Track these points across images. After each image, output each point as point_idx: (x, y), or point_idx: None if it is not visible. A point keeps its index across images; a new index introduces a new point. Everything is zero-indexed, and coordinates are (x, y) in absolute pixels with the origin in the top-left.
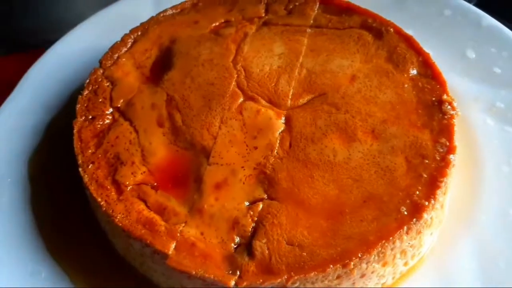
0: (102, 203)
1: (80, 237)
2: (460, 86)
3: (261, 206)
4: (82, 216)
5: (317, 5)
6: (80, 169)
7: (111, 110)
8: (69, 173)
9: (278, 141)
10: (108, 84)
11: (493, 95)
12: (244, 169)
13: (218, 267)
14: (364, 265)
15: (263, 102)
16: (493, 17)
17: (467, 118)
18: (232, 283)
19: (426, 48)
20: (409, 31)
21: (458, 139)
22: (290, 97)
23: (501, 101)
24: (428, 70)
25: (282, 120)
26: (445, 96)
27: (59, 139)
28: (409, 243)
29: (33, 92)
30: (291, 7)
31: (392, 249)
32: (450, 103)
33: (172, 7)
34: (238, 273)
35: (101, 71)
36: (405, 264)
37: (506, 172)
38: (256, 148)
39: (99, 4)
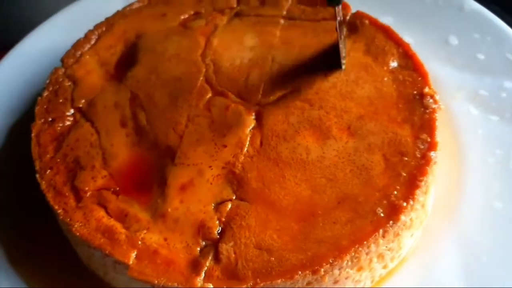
0: (59, 211)
1: (42, 246)
2: (443, 74)
3: (229, 206)
4: (45, 224)
5: None
6: (37, 176)
7: (72, 111)
8: (30, 180)
9: (248, 139)
10: (69, 83)
11: (476, 83)
12: (212, 169)
13: (181, 273)
14: (336, 271)
15: (233, 97)
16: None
17: (450, 108)
18: (200, 281)
19: (407, 36)
20: (389, 19)
21: (441, 130)
22: (261, 92)
23: (485, 89)
24: (409, 62)
25: (253, 116)
26: (427, 89)
27: (20, 145)
28: (386, 247)
29: None
30: None
31: (367, 254)
32: (432, 96)
33: (139, 0)
34: (202, 277)
35: (63, 70)
36: (385, 267)
37: (491, 163)
38: (225, 146)
39: (68, 3)
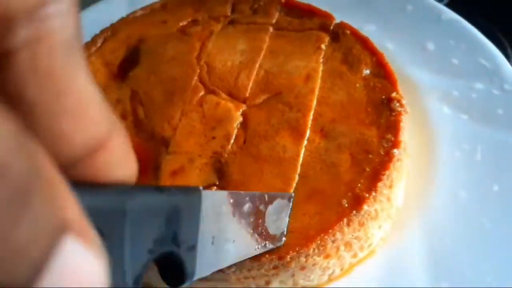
0: None
1: None
2: (420, 78)
3: (214, 189)
4: None
5: (281, 5)
6: None
7: None
8: None
9: (235, 132)
10: None
11: (449, 84)
12: (201, 157)
13: None
14: (302, 259)
15: (223, 95)
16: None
17: (425, 108)
18: None
19: (388, 43)
20: (371, 27)
21: (415, 128)
22: (249, 90)
23: (457, 90)
24: (381, 70)
25: (240, 112)
26: (394, 94)
27: None
28: (352, 235)
29: None
30: (256, 6)
31: (333, 242)
32: (398, 101)
33: (142, 8)
34: None
35: None
36: (354, 256)
37: (458, 157)
38: (214, 138)
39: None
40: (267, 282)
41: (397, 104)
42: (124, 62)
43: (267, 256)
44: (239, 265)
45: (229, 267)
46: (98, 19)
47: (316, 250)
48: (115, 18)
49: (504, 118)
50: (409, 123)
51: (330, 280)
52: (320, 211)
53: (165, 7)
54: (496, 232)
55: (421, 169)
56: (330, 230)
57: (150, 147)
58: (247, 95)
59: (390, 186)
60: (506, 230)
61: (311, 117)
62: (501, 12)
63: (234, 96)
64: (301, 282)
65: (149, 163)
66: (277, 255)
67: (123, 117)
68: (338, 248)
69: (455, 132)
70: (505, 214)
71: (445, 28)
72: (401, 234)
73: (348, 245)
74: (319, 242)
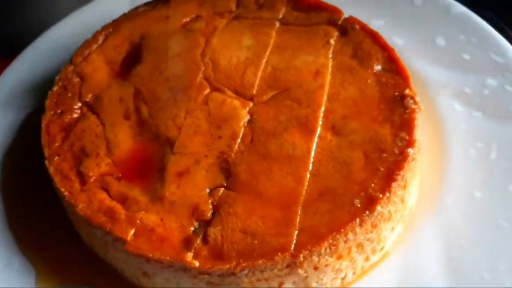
0: (65, 193)
1: (49, 230)
2: (430, 73)
3: (221, 191)
4: (53, 210)
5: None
6: (46, 162)
7: (79, 104)
8: (40, 168)
9: (242, 130)
10: (78, 80)
11: (461, 81)
12: (208, 158)
13: (174, 248)
14: (315, 258)
15: (229, 92)
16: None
17: (436, 104)
18: (190, 256)
19: (397, 38)
20: (379, 22)
21: (426, 126)
22: (255, 87)
23: (469, 87)
24: (393, 65)
25: (247, 110)
26: (407, 91)
27: (32, 136)
28: (364, 236)
29: (9, 91)
30: (261, 1)
31: (345, 242)
32: (412, 98)
33: (145, 4)
34: (193, 253)
35: (72, 67)
36: (367, 259)
37: (473, 155)
38: (220, 137)
39: (79, 5)
40: (280, 284)
41: (411, 101)
42: (127, 60)
43: (280, 254)
44: (251, 267)
45: (242, 268)
46: (100, 15)
47: (328, 250)
48: (117, 14)
49: None
50: (421, 121)
51: (343, 286)
52: (331, 210)
53: (168, 2)
54: None
55: (434, 168)
56: (342, 230)
57: (154, 147)
58: (254, 92)
59: (404, 187)
60: None
61: (321, 113)
62: (506, 4)
63: (240, 93)
64: (314, 286)
65: (153, 165)
66: (290, 253)
67: (125, 116)
68: (350, 249)
69: (468, 129)
70: None
71: (455, 23)
72: (415, 237)
73: (360, 246)
74: (331, 241)
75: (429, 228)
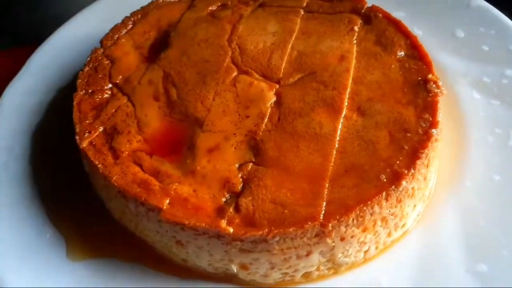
0: (99, 165)
1: (79, 205)
2: (450, 64)
3: (250, 166)
4: (82, 187)
5: None
6: (77, 137)
7: (110, 85)
8: (70, 147)
9: (269, 111)
10: (108, 62)
11: (480, 70)
12: (236, 136)
13: (208, 216)
14: (343, 228)
15: (256, 75)
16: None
17: (455, 93)
18: (224, 223)
19: (418, 29)
20: (401, 13)
21: (446, 113)
22: (282, 70)
23: (488, 77)
24: (415, 52)
25: (274, 91)
26: (430, 76)
27: (62, 116)
28: (389, 211)
29: (39, 73)
30: None
31: (371, 214)
32: (435, 82)
33: None
34: (226, 222)
35: (102, 50)
36: (389, 234)
37: (491, 141)
38: (248, 117)
39: None
40: (308, 253)
41: (434, 85)
42: (155, 45)
43: (310, 223)
44: (282, 234)
45: (273, 235)
46: (129, 2)
47: (355, 221)
48: (145, 1)
49: None
50: (441, 107)
51: (365, 260)
52: (358, 184)
53: None
54: None
55: (453, 153)
56: (369, 202)
57: (184, 126)
58: (281, 75)
59: (427, 166)
60: None
61: (347, 95)
62: None
63: (267, 76)
64: (339, 257)
65: (183, 143)
66: (319, 222)
67: (155, 98)
68: (375, 222)
69: (487, 117)
70: None
71: (474, 15)
72: (435, 216)
73: (384, 220)
74: (358, 212)
75: (449, 208)
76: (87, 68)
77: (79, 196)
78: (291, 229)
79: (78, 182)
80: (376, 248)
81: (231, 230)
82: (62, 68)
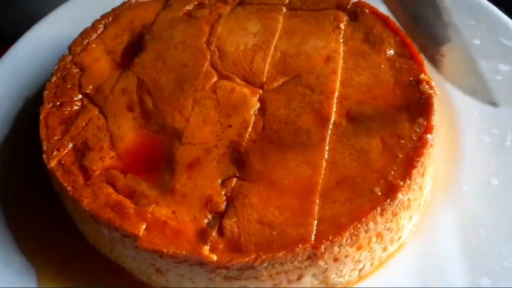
0: (68, 188)
1: (49, 228)
2: None
3: (234, 181)
4: (52, 207)
5: None
6: (44, 156)
7: (80, 96)
8: (38, 162)
9: (252, 119)
10: (77, 70)
11: None
12: (218, 148)
13: (189, 242)
14: (336, 249)
15: (238, 80)
16: None
17: (448, 91)
18: (207, 250)
19: None
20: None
21: (439, 112)
22: (265, 73)
23: None
24: (406, 50)
25: (257, 97)
26: (422, 76)
27: (29, 128)
28: (385, 226)
29: (5, 82)
30: None
31: (366, 232)
32: (427, 82)
33: None
34: (209, 246)
35: (70, 57)
36: (384, 249)
37: (487, 142)
38: (230, 126)
39: None
40: (300, 276)
41: (427, 86)
42: (128, 49)
43: (300, 246)
44: (271, 260)
45: (262, 261)
46: (98, 3)
47: (349, 240)
48: (117, 2)
49: None
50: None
51: (360, 278)
52: (351, 198)
53: None
54: None
55: (447, 156)
56: (363, 219)
57: (161, 139)
58: (264, 79)
59: (423, 174)
60: None
61: (335, 99)
62: None
63: (249, 81)
64: (333, 278)
65: (160, 157)
66: (311, 244)
67: (129, 108)
68: (370, 239)
69: (482, 116)
70: None
71: (464, 8)
72: (432, 226)
73: (379, 236)
74: (352, 231)
75: (446, 216)
76: (54, 78)
77: (50, 218)
78: (280, 254)
79: (48, 203)
80: (371, 264)
81: (214, 257)
82: (32, 76)
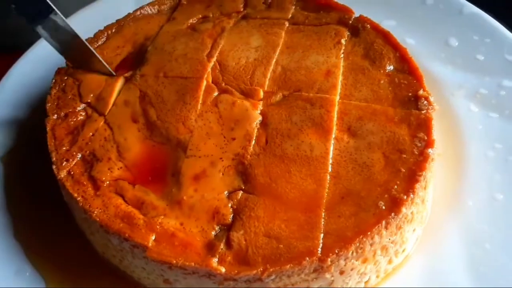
0: (78, 198)
1: (58, 238)
2: (444, 74)
3: (240, 194)
4: (60, 216)
5: None
6: (54, 167)
7: (82, 106)
8: (46, 172)
9: (255, 131)
10: (74, 81)
11: (476, 82)
12: (223, 160)
13: (198, 254)
14: (342, 262)
15: (238, 94)
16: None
17: (451, 105)
18: (215, 262)
19: (409, 38)
20: (391, 22)
21: (443, 127)
22: (265, 88)
23: (484, 88)
24: (405, 65)
25: (258, 111)
26: (421, 92)
27: (36, 139)
28: (389, 239)
29: (12, 92)
30: (270, 0)
31: (371, 245)
32: (426, 98)
33: (149, 4)
34: (217, 258)
35: (65, 69)
36: (389, 261)
37: (492, 157)
38: (234, 139)
39: (83, 4)
40: None
41: (425, 102)
42: (131, 61)
43: (307, 259)
44: (278, 272)
45: (269, 274)
46: (103, 15)
47: (355, 253)
48: (122, 14)
49: None
50: (436, 121)
51: None
52: (356, 212)
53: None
54: None
55: (451, 170)
56: (368, 232)
57: (166, 150)
58: (264, 93)
59: (425, 188)
60: None
61: (335, 113)
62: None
63: (249, 94)
64: None
65: (166, 169)
66: (318, 257)
67: (133, 119)
68: (375, 252)
69: (486, 131)
70: None
71: (467, 23)
72: (436, 239)
73: (384, 249)
74: (357, 244)
75: (451, 230)
76: (54, 90)
77: (58, 228)
78: (287, 266)
79: (57, 212)
80: (377, 277)
81: (223, 269)
82: (39, 86)
